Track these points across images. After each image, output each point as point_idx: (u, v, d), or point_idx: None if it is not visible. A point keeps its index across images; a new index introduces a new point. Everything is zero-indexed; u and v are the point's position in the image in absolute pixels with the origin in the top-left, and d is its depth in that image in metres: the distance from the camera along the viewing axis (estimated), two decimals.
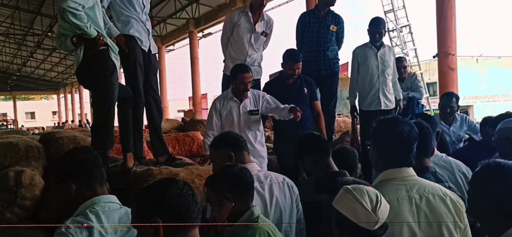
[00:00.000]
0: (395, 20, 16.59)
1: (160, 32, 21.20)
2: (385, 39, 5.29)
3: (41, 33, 22.89)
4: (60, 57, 29.75)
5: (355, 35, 5.35)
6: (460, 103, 5.22)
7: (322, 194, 2.50)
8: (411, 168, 2.05)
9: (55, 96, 47.18)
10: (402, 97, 5.29)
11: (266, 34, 4.73)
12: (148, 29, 4.04)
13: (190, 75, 19.66)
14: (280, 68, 4.57)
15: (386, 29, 5.37)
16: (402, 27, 16.66)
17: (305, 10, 7.86)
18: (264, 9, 4.85)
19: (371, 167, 4.48)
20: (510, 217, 1.66)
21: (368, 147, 2.21)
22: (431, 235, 1.92)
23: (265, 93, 4.08)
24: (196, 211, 1.64)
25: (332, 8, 5.11)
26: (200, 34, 20.18)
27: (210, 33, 20.45)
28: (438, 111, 7.18)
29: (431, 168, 2.34)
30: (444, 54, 9.25)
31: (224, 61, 4.89)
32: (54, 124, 34.74)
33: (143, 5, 3.99)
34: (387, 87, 5.01)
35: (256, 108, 3.98)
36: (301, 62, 4.31)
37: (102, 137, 3.22)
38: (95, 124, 3.30)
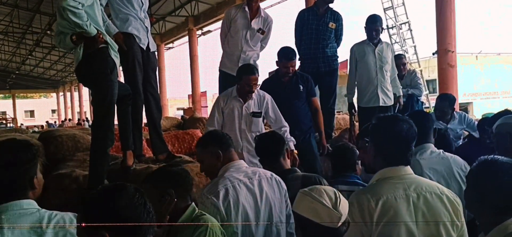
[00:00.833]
0: (395, 17, 16.60)
1: (159, 30, 21.18)
2: (385, 37, 5.30)
3: (40, 31, 22.85)
4: (59, 55, 29.71)
5: (356, 34, 5.33)
6: (460, 100, 5.23)
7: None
8: (408, 167, 2.04)
9: (54, 94, 47.16)
10: (401, 94, 5.29)
11: (263, 32, 4.68)
12: (146, 27, 4.03)
13: (189, 73, 19.66)
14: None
15: (386, 26, 5.37)
16: (401, 24, 16.66)
17: (304, 7, 7.83)
18: (263, 7, 4.82)
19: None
20: (502, 213, 1.68)
21: (366, 144, 2.18)
22: (429, 234, 1.92)
23: (270, 99, 4.02)
24: (149, 220, 1.47)
25: (331, 5, 5.10)
26: (199, 32, 20.18)
27: (209, 31, 20.44)
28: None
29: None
30: (444, 51, 9.26)
31: (221, 57, 4.86)
32: (55, 122, 34.69)
33: (142, 2, 3.99)
34: (386, 84, 5.02)
35: (259, 111, 3.95)
36: (295, 60, 4.31)
37: (102, 135, 3.22)
38: (95, 121, 3.30)
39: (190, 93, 21.15)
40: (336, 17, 5.11)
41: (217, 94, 4.45)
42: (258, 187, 2.38)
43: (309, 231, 1.72)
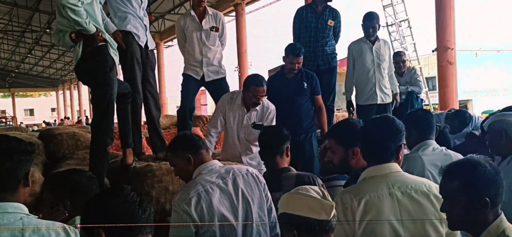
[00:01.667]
0: (394, 14, 16.55)
1: (158, 28, 21.14)
2: (384, 34, 5.31)
3: (40, 30, 22.80)
4: (59, 54, 29.67)
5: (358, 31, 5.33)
6: (459, 98, 5.23)
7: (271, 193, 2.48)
8: (395, 163, 2.04)
9: (54, 93, 47.13)
10: (398, 91, 5.30)
11: (217, 29, 4.57)
12: (145, 25, 4.03)
13: None
14: (280, 64, 4.58)
15: (385, 24, 5.38)
16: (400, 21, 16.62)
17: (303, 4, 7.82)
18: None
19: None
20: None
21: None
22: (415, 231, 1.91)
23: (274, 111, 4.00)
24: (145, 218, 1.50)
25: (329, 2, 5.10)
26: None
27: None
28: (437, 107, 7.14)
29: None
30: (443, 48, 9.24)
31: (184, 63, 4.77)
32: (54, 121, 34.66)
33: (141, 1, 3.99)
34: (384, 82, 5.03)
35: (260, 123, 3.91)
36: (302, 57, 4.31)
37: (102, 133, 3.22)
38: (94, 120, 3.30)
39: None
40: (335, 14, 5.10)
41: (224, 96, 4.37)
42: (233, 186, 2.28)
43: (302, 229, 1.66)
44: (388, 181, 1.98)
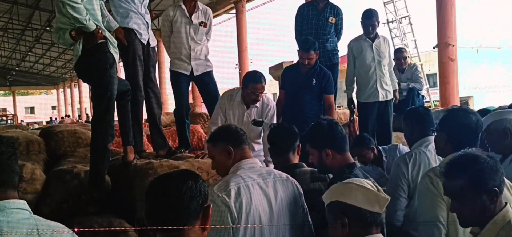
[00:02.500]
0: (394, 11, 16.53)
1: (159, 26, 21.12)
2: (385, 31, 5.31)
3: (40, 27, 22.82)
4: (59, 52, 29.68)
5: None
6: (460, 94, 5.25)
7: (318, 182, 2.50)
8: None
9: (54, 91, 47.13)
10: (397, 88, 5.31)
11: (206, 25, 4.51)
12: (147, 22, 4.03)
13: None
14: (280, 61, 4.60)
15: (386, 20, 5.37)
16: (401, 18, 16.60)
17: (304, 2, 7.81)
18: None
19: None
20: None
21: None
22: None
23: (274, 108, 4.01)
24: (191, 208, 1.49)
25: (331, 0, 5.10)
26: None
27: None
28: (438, 104, 7.12)
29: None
30: (444, 45, 9.23)
31: (170, 61, 4.68)
32: (55, 118, 34.69)
33: None
34: (384, 79, 5.02)
35: (260, 119, 3.91)
36: (312, 52, 4.32)
37: (102, 131, 3.22)
38: (95, 117, 3.30)
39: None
40: (336, 11, 5.10)
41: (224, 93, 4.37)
42: (272, 189, 2.18)
43: (354, 219, 1.69)
44: None
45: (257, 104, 3.88)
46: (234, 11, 15.84)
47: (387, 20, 16.54)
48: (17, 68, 37.44)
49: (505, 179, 1.87)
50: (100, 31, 3.16)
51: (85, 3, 3.09)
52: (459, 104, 5.64)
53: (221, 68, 18.32)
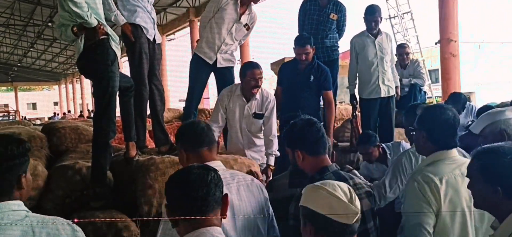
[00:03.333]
0: (397, 6, 16.50)
1: (160, 21, 21.11)
2: (387, 26, 5.31)
3: (41, 23, 22.82)
4: (61, 47, 29.69)
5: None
6: (462, 90, 5.29)
7: (297, 188, 2.33)
8: (458, 148, 2.29)
9: (56, 87, 47.18)
10: (399, 85, 5.32)
11: (248, 28, 4.55)
12: (153, 19, 4.05)
13: None
14: (282, 57, 4.60)
15: (388, 16, 5.36)
16: (403, 13, 16.57)
17: None
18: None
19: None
20: None
21: (412, 133, 2.40)
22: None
23: (274, 102, 3.99)
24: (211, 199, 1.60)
25: None
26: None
27: None
28: (440, 100, 7.09)
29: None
30: (446, 40, 9.22)
31: (197, 41, 4.71)
32: (57, 114, 34.74)
33: None
34: (387, 75, 5.02)
35: (261, 112, 3.91)
36: (308, 47, 4.34)
37: (104, 126, 3.22)
38: (97, 113, 3.30)
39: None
40: (339, 8, 5.10)
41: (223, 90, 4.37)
42: (236, 195, 2.05)
43: (322, 227, 1.60)
44: (457, 163, 2.22)
45: (257, 96, 3.88)
46: None
47: (389, 15, 16.51)
48: (19, 64, 37.49)
49: None
50: (101, 27, 3.16)
51: None
52: None
53: None
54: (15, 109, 35.87)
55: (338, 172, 2.23)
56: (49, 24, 21.77)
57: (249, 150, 3.93)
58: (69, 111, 33.48)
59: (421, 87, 6.07)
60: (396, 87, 5.24)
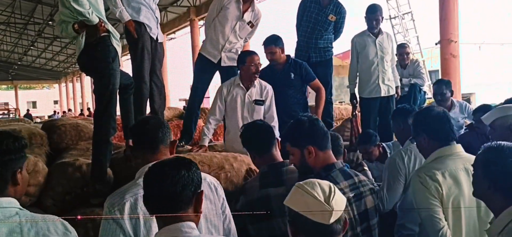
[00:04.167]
0: (397, 7, 16.52)
1: (161, 20, 21.08)
2: (387, 27, 5.32)
3: (42, 22, 22.83)
4: (61, 46, 29.70)
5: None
6: (463, 91, 5.30)
7: (269, 188, 2.39)
8: (459, 144, 2.38)
9: (56, 85, 47.18)
10: (399, 85, 5.33)
11: (252, 25, 4.60)
12: (157, 18, 4.09)
13: (191, 63, 19.63)
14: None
15: (388, 16, 5.37)
16: (404, 14, 16.59)
17: None
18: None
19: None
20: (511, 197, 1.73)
21: (413, 142, 2.52)
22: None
23: (272, 90, 4.06)
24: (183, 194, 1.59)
25: None
26: (201, 22, 20.11)
27: None
28: None
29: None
30: (446, 41, 9.22)
31: (203, 41, 4.73)
32: (57, 112, 34.75)
33: None
34: (387, 74, 5.04)
35: (261, 99, 3.98)
36: (273, 47, 4.30)
37: (104, 124, 3.23)
38: (97, 110, 3.31)
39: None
40: (339, 10, 5.09)
41: (219, 85, 4.42)
42: None
43: (299, 226, 1.59)
44: (461, 158, 2.31)
45: (256, 84, 3.95)
46: None
47: (390, 16, 16.53)
48: (19, 62, 37.49)
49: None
50: (102, 25, 3.17)
51: None
52: (461, 100, 5.63)
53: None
54: (15, 107, 35.88)
55: (344, 169, 2.26)
56: (50, 22, 21.79)
57: None
58: (69, 110, 33.50)
59: (421, 87, 6.08)
60: (397, 87, 5.25)
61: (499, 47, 27.34)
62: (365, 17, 5.05)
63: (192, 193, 1.58)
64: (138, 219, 1.81)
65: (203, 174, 1.94)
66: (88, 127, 4.43)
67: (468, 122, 4.82)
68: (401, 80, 5.61)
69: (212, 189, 2.04)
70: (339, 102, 10.35)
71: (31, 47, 31.17)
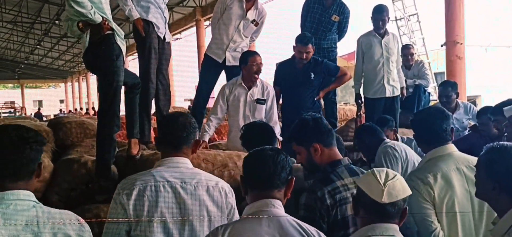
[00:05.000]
0: (403, 8, 16.46)
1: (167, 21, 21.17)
2: (393, 28, 5.32)
3: (49, 21, 22.95)
4: (68, 45, 29.83)
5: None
6: (468, 93, 5.30)
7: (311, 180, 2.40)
8: (452, 144, 2.39)
9: (62, 84, 47.41)
10: (404, 85, 5.32)
11: (257, 24, 4.62)
12: (165, 17, 4.13)
13: (197, 63, 19.66)
14: (288, 57, 4.61)
15: (394, 18, 5.38)
16: (410, 15, 16.53)
17: None
18: None
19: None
20: None
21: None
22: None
23: (273, 90, 4.11)
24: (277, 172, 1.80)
25: None
26: (207, 23, 20.15)
27: None
28: None
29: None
30: (452, 43, 9.18)
31: (209, 42, 4.78)
32: (64, 112, 34.92)
33: None
34: (392, 75, 5.03)
35: (263, 98, 4.03)
36: (310, 46, 4.34)
37: (108, 121, 3.25)
38: (101, 107, 3.34)
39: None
40: (342, 10, 5.10)
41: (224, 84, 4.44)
42: (191, 195, 1.94)
43: (361, 202, 1.79)
44: (454, 158, 2.32)
45: (257, 84, 3.99)
46: None
47: (396, 17, 16.47)
48: (26, 62, 37.69)
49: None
50: (106, 23, 3.19)
51: None
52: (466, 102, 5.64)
53: None
54: (21, 106, 36.10)
55: (350, 166, 2.30)
56: (56, 22, 21.89)
57: None
58: (76, 109, 33.60)
59: (426, 88, 6.07)
60: (402, 88, 5.24)
61: (505, 50, 27.18)
62: (371, 17, 5.05)
63: (287, 175, 1.81)
64: (144, 205, 1.89)
65: (216, 179, 2.09)
66: (93, 124, 4.47)
67: (472, 123, 4.81)
68: (405, 81, 5.60)
69: (222, 195, 2.04)
70: (344, 103, 10.33)
71: (38, 46, 31.33)
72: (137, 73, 3.94)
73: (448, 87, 4.85)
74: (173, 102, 19.13)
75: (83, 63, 3.94)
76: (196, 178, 2.00)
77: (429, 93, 6.29)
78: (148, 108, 4.08)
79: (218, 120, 4.10)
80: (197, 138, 2.17)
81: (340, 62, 5.86)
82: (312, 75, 4.39)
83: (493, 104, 4.51)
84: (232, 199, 2.09)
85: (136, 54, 4.19)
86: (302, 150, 2.31)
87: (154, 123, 4.53)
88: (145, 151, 3.62)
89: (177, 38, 23.71)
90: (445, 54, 9.57)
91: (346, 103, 10.28)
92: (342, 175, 2.19)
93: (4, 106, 34.37)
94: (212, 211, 1.99)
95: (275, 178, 1.77)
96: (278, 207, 1.76)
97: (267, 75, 5.02)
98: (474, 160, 2.12)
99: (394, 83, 5.07)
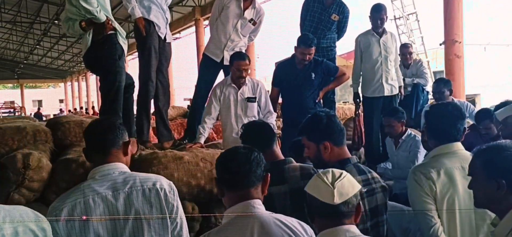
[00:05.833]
0: (402, 7, 16.47)
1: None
2: (392, 27, 5.33)
3: (48, 21, 22.93)
4: (67, 45, 29.82)
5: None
6: (467, 92, 5.32)
7: (271, 187, 2.26)
8: (459, 143, 2.37)
9: (62, 84, 47.39)
10: (402, 84, 5.34)
11: (255, 23, 4.63)
12: (166, 18, 4.14)
13: (196, 63, 19.67)
14: (286, 57, 4.62)
15: (393, 17, 5.38)
16: (408, 14, 16.54)
17: None
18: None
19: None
20: None
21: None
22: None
23: (263, 86, 4.14)
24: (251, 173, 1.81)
25: None
26: (206, 22, 20.14)
27: None
28: None
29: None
30: (451, 41, 9.17)
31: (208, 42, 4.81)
32: (64, 112, 34.91)
33: None
34: (390, 74, 5.04)
35: (253, 96, 4.06)
36: (313, 48, 4.35)
37: None
38: (103, 107, 3.34)
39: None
40: (342, 10, 5.10)
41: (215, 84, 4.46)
42: (123, 203, 1.85)
43: (313, 208, 1.76)
44: (459, 157, 2.32)
45: (247, 83, 4.03)
46: None
47: (394, 16, 16.48)
48: (25, 61, 37.65)
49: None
50: (109, 22, 3.20)
51: None
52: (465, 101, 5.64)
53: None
54: (20, 106, 36.07)
55: (358, 164, 2.33)
56: (56, 21, 21.87)
57: None
58: (75, 109, 33.55)
59: (424, 87, 6.08)
60: (400, 87, 5.26)
61: (504, 48, 27.21)
62: (369, 16, 5.06)
63: (263, 172, 1.82)
64: (74, 223, 1.79)
65: (154, 178, 1.96)
66: None
67: (471, 122, 4.82)
68: (404, 80, 5.62)
69: (160, 196, 1.91)
70: (343, 102, 10.34)
71: (37, 46, 31.30)
72: (137, 73, 3.95)
73: (441, 84, 4.88)
74: (173, 102, 19.16)
75: (82, 63, 3.93)
76: (130, 183, 1.89)
77: (427, 92, 6.30)
78: (148, 108, 4.09)
79: (212, 120, 4.13)
80: (127, 139, 2.03)
81: (339, 61, 5.86)
82: (313, 76, 4.40)
83: (492, 104, 4.53)
84: (174, 198, 1.95)
85: (136, 53, 4.20)
86: (312, 145, 2.35)
87: (153, 122, 4.54)
88: (144, 150, 3.63)
89: (176, 38, 23.71)
90: (444, 53, 9.56)
91: (345, 102, 10.29)
92: (351, 174, 2.18)
93: (3, 106, 34.34)
94: (150, 214, 1.88)
95: (251, 175, 1.78)
96: (258, 207, 1.77)
97: (267, 75, 5.02)
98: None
99: (393, 82, 5.08)
